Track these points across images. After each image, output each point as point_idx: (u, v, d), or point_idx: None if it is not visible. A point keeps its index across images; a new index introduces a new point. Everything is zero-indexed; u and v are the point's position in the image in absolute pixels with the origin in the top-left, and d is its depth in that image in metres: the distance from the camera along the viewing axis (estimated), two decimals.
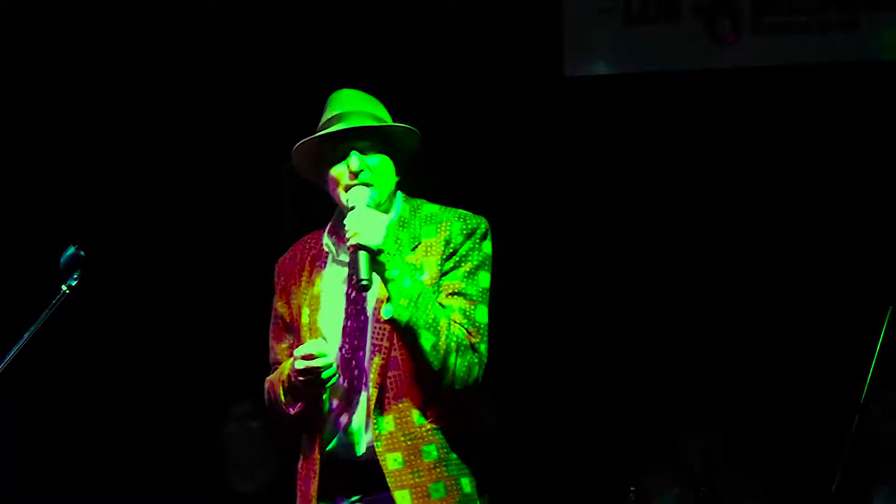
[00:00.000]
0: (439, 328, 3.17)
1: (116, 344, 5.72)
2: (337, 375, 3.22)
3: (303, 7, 5.94)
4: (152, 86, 5.85)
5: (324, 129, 3.30)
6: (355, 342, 3.27)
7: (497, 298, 3.33)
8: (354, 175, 3.26)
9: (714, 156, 5.74)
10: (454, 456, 3.25)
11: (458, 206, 3.37)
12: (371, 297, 3.26)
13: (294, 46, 5.94)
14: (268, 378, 3.42)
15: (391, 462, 3.21)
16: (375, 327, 3.25)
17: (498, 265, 3.33)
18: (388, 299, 3.16)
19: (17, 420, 5.44)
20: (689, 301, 5.71)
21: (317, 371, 3.17)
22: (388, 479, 3.20)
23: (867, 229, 5.55)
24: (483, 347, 3.25)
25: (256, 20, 5.93)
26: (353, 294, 3.28)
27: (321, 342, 3.23)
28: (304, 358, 3.18)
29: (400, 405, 3.22)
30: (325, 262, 3.37)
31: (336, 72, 5.67)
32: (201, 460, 5.52)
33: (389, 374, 3.23)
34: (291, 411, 3.30)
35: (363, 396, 3.25)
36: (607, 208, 5.81)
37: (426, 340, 3.16)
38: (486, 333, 3.26)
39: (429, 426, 3.24)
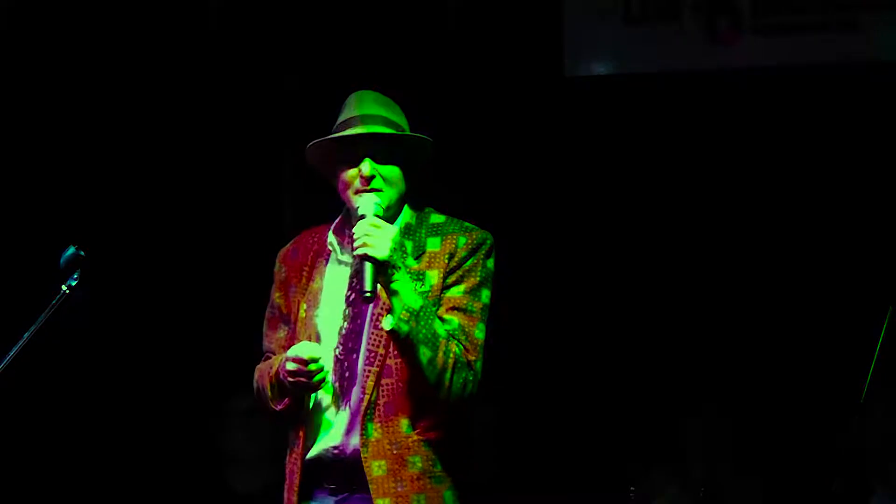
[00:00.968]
0: (438, 344, 3.16)
1: (116, 343, 5.72)
2: (328, 380, 3.23)
3: (303, 7, 5.93)
4: (150, 81, 5.85)
5: (340, 131, 3.31)
6: (349, 344, 3.27)
7: (497, 298, 3.32)
8: (366, 181, 3.27)
9: (714, 156, 5.74)
10: (439, 468, 3.24)
11: (457, 207, 3.37)
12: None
13: (294, 45, 5.94)
14: (258, 367, 3.41)
15: (375, 469, 3.21)
16: (372, 333, 3.25)
17: (498, 265, 3.33)
18: (390, 311, 3.17)
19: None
20: (690, 301, 5.71)
21: (308, 374, 3.17)
22: (370, 486, 3.20)
23: (867, 229, 5.54)
24: (479, 365, 3.25)
25: (256, 19, 5.93)
26: (353, 296, 3.28)
27: (315, 346, 3.23)
28: (296, 361, 3.18)
29: (390, 414, 3.22)
30: (328, 260, 3.38)
31: (336, 71, 5.69)
32: (202, 460, 5.52)
33: (383, 381, 3.23)
34: (277, 407, 3.30)
35: (354, 399, 3.25)
36: (607, 208, 5.81)
37: (424, 355, 3.16)
38: (482, 351, 3.26)
39: (416, 437, 3.23)
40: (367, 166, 3.26)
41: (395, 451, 3.21)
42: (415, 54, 5.77)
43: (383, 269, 3.15)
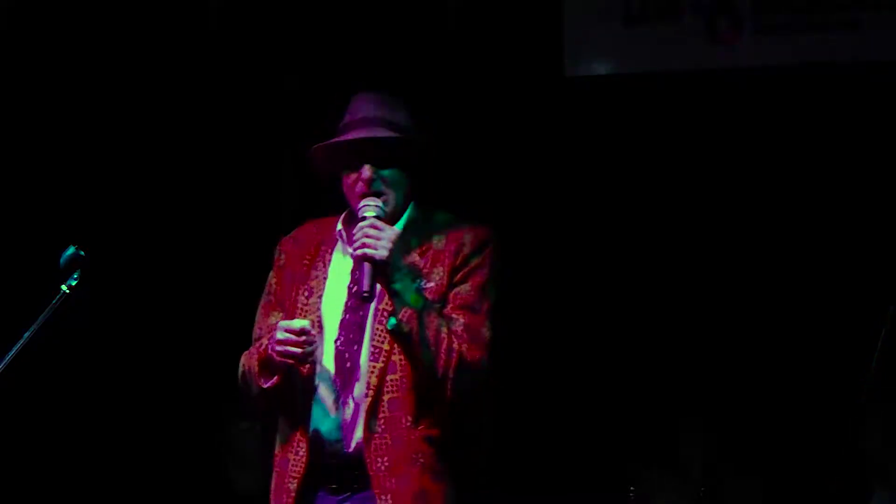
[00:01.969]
0: (441, 342, 3.17)
1: (116, 343, 5.72)
2: (327, 371, 3.21)
3: (303, 7, 5.93)
4: (151, 81, 5.85)
5: (342, 133, 3.31)
6: (351, 335, 3.27)
7: (497, 298, 3.32)
8: (367, 185, 3.27)
9: (714, 155, 5.74)
10: (441, 465, 3.24)
11: (458, 207, 3.37)
12: None
13: (294, 45, 5.93)
14: (245, 352, 3.38)
15: (378, 465, 3.20)
16: (377, 329, 3.25)
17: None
18: (393, 311, 3.17)
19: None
20: (690, 300, 5.71)
21: (298, 345, 3.14)
22: (372, 481, 3.19)
23: (867, 229, 5.54)
24: (485, 363, 3.24)
25: (256, 19, 5.93)
26: (355, 288, 3.27)
27: (307, 322, 3.20)
28: (287, 331, 3.16)
29: (394, 410, 3.22)
30: (334, 249, 3.37)
31: (336, 71, 5.69)
32: (202, 461, 5.52)
33: (388, 377, 3.22)
34: (265, 384, 3.26)
35: (357, 394, 3.24)
36: (608, 209, 5.81)
37: (426, 354, 3.16)
38: (488, 349, 3.25)
39: (420, 433, 3.23)
40: (367, 171, 3.27)
41: (398, 447, 3.20)
42: (415, 54, 5.77)
43: (383, 270, 3.15)
